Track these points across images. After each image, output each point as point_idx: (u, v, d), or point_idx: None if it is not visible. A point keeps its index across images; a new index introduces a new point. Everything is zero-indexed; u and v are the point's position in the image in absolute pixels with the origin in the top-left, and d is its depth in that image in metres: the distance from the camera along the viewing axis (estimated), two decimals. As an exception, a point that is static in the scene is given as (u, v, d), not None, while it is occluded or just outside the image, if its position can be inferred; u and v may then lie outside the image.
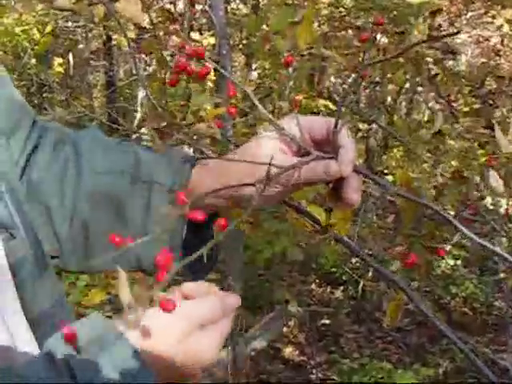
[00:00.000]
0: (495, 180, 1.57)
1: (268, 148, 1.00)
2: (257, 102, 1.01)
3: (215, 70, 2.05)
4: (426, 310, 0.89)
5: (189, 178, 1.06)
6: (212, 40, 4.46)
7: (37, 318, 0.99)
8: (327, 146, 1.00)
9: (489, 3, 5.06)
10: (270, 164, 0.87)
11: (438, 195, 1.78)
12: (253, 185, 0.91)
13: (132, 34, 4.98)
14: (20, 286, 0.96)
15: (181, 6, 8.42)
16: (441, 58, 2.27)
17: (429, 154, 5.14)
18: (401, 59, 2.46)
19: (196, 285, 0.95)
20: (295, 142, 1.00)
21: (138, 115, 6.99)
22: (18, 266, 0.97)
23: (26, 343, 0.93)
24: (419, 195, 1.37)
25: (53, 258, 1.12)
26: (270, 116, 1.01)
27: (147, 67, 6.34)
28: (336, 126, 0.96)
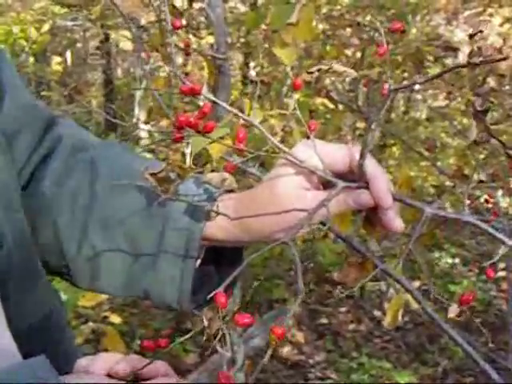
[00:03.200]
0: None
1: (288, 189, 0.93)
2: (274, 141, 0.93)
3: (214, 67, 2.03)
4: (432, 311, 0.87)
5: (204, 221, 0.99)
6: (210, 39, 4.44)
7: (25, 333, 0.93)
8: (350, 175, 0.94)
9: (486, 1, 5.06)
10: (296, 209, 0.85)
11: (440, 194, 1.77)
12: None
13: (129, 34, 4.97)
14: (5, 299, 0.89)
15: (179, 3, 8.42)
16: (441, 55, 2.26)
17: (427, 153, 5.14)
18: (399, 57, 2.46)
19: (154, 365, 0.89)
20: (318, 174, 0.93)
21: (136, 114, 6.97)
22: (2, 278, 0.91)
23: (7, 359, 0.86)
24: (420, 194, 1.36)
25: (61, 273, 1.09)
26: (286, 148, 0.93)
27: (145, 66, 6.32)
28: (362, 156, 0.89)
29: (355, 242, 1.02)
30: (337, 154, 0.94)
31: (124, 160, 1.10)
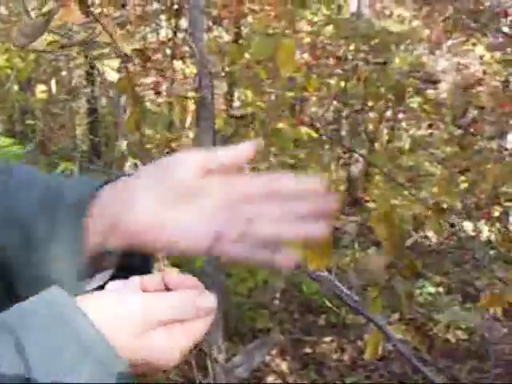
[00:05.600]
0: None
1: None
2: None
3: (196, 100, 2.05)
4: (402, 346, 0.88)
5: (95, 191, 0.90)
6: (194, 69, 4.47)
7: None
8: None
9: (469, 32, 5.13)
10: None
11: (418, 225, 1.79)
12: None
13: (115, 63, 4.98)
14: None
15: (163, 33, 8.48)
16: (422, 87, 2.29)
17: (410, 182, 5.18)
18: (382, 89, 2.48)
19: (181, 277, 0.82)
20: None
21: (121, 144, 6.97)
22: None
23: None
24: (401, 224, 1.37)
25: None
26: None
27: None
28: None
29: (331, 279, 1.03)
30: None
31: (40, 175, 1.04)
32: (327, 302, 4.69)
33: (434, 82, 2.32)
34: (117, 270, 0.96)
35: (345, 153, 6.61)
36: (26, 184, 0.99)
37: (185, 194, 0.85)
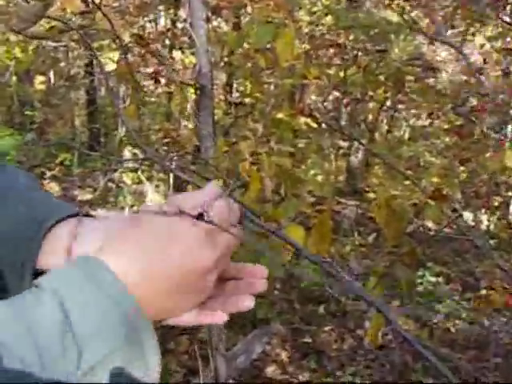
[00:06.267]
0: None
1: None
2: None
3: (196, 88, 2.04)
4: (404, 331, 0.88)
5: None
6: (194, 59, 4.46)
7: None
8: None
9: (468, 21, 5.12)
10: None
11: (418, 213, 1.79)
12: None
13: (115, 55, 4.97)
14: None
15: (162, 23, 8.46)
16: (422, 75, 2.28)
17: (410, 172, 5.17)
18: (381, 77, 2.47)
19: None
20: None
21: (120, 134, 6.98)
22: None
23: None
24: (401, 213, 1.37)
25: None
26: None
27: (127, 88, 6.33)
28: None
29: (332, 263, 1.02)
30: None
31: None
32: (329, 290, 4.69)
33: (433, 71, 2.32)
34: None
35: (345, 141, 6.60)
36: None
37: None
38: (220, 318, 0.85)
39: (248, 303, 0.86)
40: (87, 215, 0.94)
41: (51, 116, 8.97)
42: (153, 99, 6.83)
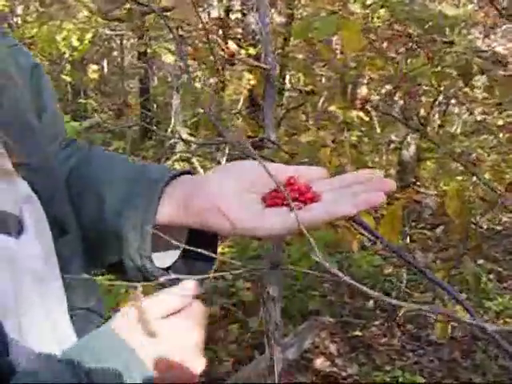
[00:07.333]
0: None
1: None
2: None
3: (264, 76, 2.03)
4: (482, 323, 0.87)
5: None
6: (250, 49, 4.47)
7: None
8: None
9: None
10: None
11: (490, 207, 1.77)
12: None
13: (172, 46, 5.02)
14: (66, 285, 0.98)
15: (215, 14, 8.49)
16: (490, 68, 2.25)
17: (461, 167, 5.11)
18: (448, 70, 2.45)
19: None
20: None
21: (173, 123, 7.02)
22: (67, 262, 0.99)
23: (66, 336, 0.94)
24: (470, 207, 1.35)
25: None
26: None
27: (184, 75, 6.37)
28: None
29: (411, 255, 1.02)
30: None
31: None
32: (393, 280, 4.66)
33: (503, 63, 2.28)
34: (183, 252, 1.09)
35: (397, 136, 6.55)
36: (106, 160, 1.15)
37: (248, 188, 0.98)
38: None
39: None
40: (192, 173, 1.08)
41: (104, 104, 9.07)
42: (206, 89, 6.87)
